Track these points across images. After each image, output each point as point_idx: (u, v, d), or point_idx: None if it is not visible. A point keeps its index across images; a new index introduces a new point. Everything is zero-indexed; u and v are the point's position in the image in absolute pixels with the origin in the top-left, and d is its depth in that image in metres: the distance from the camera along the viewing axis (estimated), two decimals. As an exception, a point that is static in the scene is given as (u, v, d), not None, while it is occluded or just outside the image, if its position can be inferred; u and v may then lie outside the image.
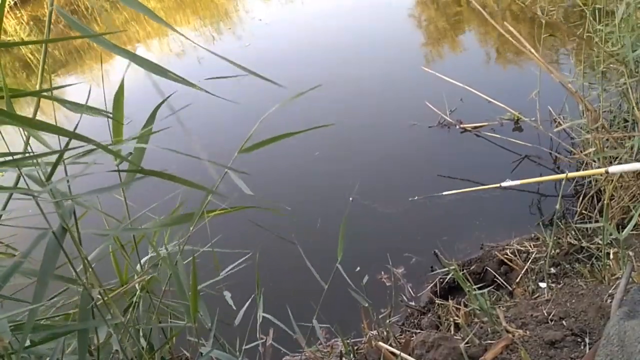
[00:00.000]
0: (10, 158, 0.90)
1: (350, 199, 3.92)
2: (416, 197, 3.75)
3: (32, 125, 0.81)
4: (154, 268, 1.40)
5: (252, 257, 1.96)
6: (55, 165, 0.99)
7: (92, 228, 1.19)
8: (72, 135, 0.82)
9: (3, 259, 1.28)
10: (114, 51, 0.88)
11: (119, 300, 1.34)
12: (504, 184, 3.23)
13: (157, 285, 1.51)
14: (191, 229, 1.30)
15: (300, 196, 4.18)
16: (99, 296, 1.10)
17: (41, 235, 0.96)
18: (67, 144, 0.94)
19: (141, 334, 1.30)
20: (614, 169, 2.44)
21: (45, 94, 0.97)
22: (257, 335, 2.02)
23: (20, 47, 11.31)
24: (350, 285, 2.14)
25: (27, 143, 1.04)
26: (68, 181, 1.03)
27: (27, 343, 1.09)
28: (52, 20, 1.02)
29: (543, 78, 3.59)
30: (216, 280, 1.73)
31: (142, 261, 1.50)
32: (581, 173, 2.88)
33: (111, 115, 1.10)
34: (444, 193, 3.64)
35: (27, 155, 0.99)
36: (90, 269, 1.10)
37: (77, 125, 1.01)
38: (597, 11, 2.89)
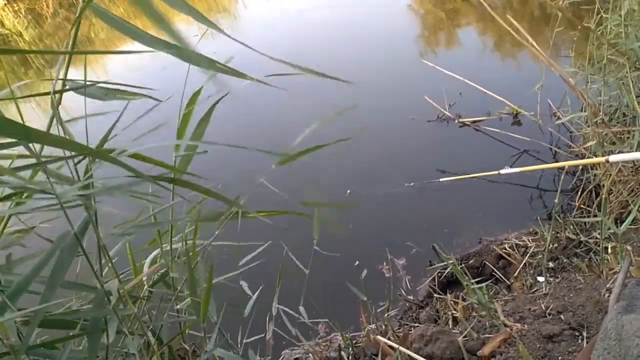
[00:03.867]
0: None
1: (348, 191, 3.93)
2: (412, 184, 3.77)
3: (61, 143, 0.80)
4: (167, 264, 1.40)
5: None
6: (86, 177, 0.98)
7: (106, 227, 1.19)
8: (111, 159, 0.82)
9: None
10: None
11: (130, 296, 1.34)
12: (502, 171, 3.23)
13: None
14: (216, 231, 1.30)
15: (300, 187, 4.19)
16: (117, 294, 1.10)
17: (61, 237, 0.94)
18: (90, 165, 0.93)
19: (149, 327, 1.30)
20: (615, 157, 2.44)
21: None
22: (266, 327, 2.03)
23: (19, 41, 11.27)
24: (344, 276, 2.15)
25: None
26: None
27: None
28: (50, 13, 1.01)
29: (542, 71, 3.59)
30: (233, 274, 1.72)
31: (152, 255, 1.50)
32: (582, 161, 2.87)
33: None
34: (441, 179, 3.66)
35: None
36: (114, 271, 1.09)
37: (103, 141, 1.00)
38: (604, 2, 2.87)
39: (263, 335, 2.27)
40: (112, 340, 1.10)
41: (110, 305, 1.07)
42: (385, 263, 3.21)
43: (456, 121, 4.47)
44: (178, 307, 1.51)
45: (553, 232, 2.86)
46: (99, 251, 1.06)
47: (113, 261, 1.19)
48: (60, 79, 0.98)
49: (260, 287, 2.07)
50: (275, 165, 1.21)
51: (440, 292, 2.92)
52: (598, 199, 3.07)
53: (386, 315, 2.70)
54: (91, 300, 1.09)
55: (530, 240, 3.02)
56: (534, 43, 3.07)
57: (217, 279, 1.71)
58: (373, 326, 2.48)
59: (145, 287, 1.37)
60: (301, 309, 2.06)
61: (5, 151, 0.93)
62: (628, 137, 2.81)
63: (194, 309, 1.35)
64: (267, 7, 10.60)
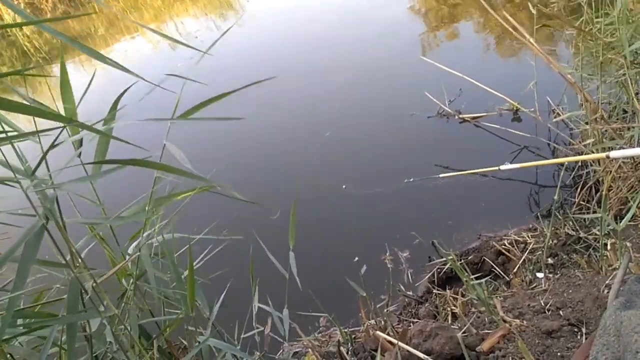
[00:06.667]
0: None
1: (344, 186, 3.94)
2: (412, 179, 3.77)
3: (31, 111, 0.80)
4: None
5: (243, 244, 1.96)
6: (43, 157, 0.98)
7: (75, 218, 1.19)
8: (68, 120, 0.82)
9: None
10: (58, 36, 0.88)
11: (110, 289, 1.33)
12: (502, 167, 3.23)
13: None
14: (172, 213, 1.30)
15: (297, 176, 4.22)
16: (91, 285, 1.10)
17: (33, 226, 0.95)
18: (61, 131, 0.94)
19: (129, 326, 1.30)
20: (616, 153, 2.43)
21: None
22: (254, 325, 2.03)
23: (18, 35, 11.24)
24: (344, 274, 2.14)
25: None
26: (50, 176, 1.02)
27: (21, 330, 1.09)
28: (49, 8, 1.01)
29: (542, 68, 3.58)
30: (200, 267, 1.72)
31: (132, 247, 1.49)
32: (583, 157, 2.87)
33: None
34: (441, 175, 3.67)
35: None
36: (80, 258, 1.09)
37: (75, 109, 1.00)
38: (595, 2, 2.87)
39: (261, 330, 2.27)
40: (95, 330, 1.10)
41: (87, 294, 1.07)
42: (388, 254, 3.22)
43: (456, 117, 4.47)
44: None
45: (552, 229, 2.87)
46: (65, 239, 1.05)
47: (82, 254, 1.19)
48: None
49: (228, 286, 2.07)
50: (176, 119, 1.21)
51: (440, 288, 2.92)
52: (598, 195, 3.07)
53: (385, 310, 2.71)
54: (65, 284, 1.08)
55: (530, 237, 3.02)
56: (532, 40, 3.06)
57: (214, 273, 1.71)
58: (372, 321, 2.48)
59: (132, 281, 1.36)
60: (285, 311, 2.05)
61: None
62: (627, 134, 2.80)
63: (180, 298, 1.35)
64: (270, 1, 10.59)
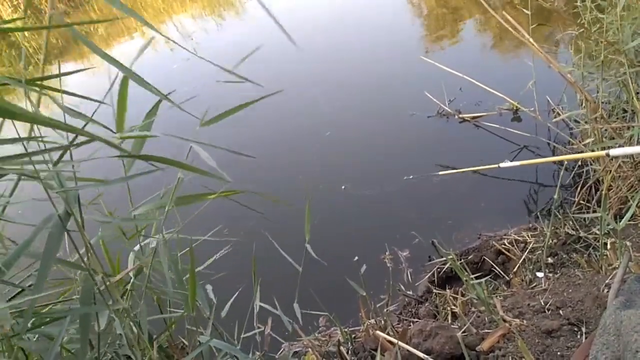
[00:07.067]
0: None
1: (343, 187, 3.95)
2: (411, 177, 3.78)
3: (39, 121, 0.80)
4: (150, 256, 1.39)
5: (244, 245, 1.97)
6: (59, 159, 0.98)
7: (90, 215, 1.19)
8: (79, 131, 0.82)
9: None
10: (86, 43, 0.88)
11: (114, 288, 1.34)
12: (502, 165, 3.23)
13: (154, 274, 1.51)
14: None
15: (298, 178, 4.22)
16: (102, 281, 1.11)
17: (47, 219, 0.95)
18: (74, 139, 0.94)
19: (132, 323, 1.30)
20: (615, 151, 2.43)
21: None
22: (255, 325, 2.03)
23: (17, 34, 11.23)
24: (344, 271, 2.14)
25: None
26: (73, 166, 1.03)
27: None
28: (50, 7, 1.01)
29: (541, 68, 3.58)
30: (204, 268, 1.73)
31: (137, 248, 1.50)
32: (582, 155, 2.87)
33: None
34: (440, 173, 3.67)
35: (36, 150, 0.97)
36: (93, 254, 1.10)
37: (85, 124, 1.00)
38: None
39: (261, 329, 2.28)
40: (104, 328, 1.10)
41: (98, 289, 1.08)
42: (388, 253, 3.22)
43: (456, 117, 4.47)
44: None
45: (552, 228, 2.87)
46: (82, 236, 1.06)
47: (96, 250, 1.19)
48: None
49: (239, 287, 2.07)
50: (200, 126, 1.21)
51: (440, 288, 2.93)
52: (597, 194, 3.07)
53: (385, 310, 2.71)
54: (80, 282, 1.10)
55: (530, 236, 3.02)
56: (531, 40, 3.06)
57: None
58: (372, 321, 2.48)
59: (132, 279, 1.37)
60: (295, 306, 2.05)
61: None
62: (627, 133, 2.80)
63: (181, 298, 1.36)
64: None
